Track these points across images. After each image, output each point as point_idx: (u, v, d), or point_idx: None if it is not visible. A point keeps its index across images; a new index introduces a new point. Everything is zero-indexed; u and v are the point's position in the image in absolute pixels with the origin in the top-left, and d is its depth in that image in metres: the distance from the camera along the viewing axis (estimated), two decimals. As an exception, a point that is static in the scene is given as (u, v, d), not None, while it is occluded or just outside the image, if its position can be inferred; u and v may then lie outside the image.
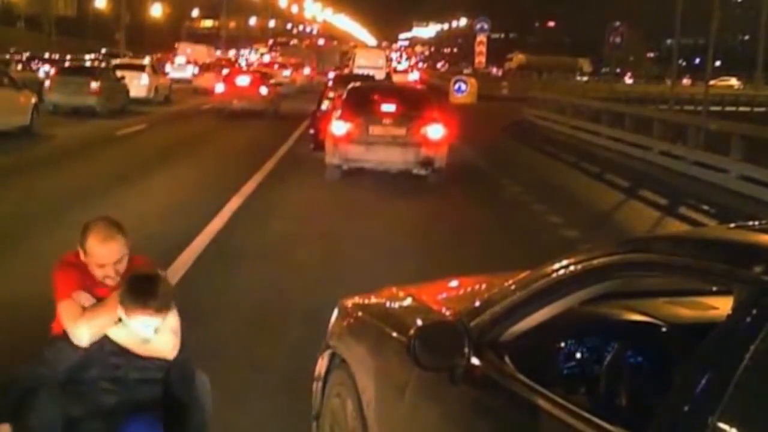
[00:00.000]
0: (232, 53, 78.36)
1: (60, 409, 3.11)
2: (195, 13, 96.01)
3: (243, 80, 26.38)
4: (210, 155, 16.84)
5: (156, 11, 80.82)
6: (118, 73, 26.67)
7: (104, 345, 3.19)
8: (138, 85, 28.11)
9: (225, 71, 33.25)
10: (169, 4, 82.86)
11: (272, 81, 29.51)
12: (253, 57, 78.32)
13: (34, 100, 18.50)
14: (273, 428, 4.47)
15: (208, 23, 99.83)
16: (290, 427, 4.38)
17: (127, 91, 25.60)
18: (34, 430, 3.04)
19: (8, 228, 8.89)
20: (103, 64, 32.65)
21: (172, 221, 9.64)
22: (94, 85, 22.84)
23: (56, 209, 9.93)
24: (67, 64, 31.21)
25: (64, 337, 3.18)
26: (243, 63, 60.30)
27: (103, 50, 56.11)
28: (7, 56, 35.69)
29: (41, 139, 17.65)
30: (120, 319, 3.15)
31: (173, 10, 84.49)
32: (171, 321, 3.23)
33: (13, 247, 8.04)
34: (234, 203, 10.87)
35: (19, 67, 31.45)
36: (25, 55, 39.23)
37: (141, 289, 3.10)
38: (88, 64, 35.34)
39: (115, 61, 35.07)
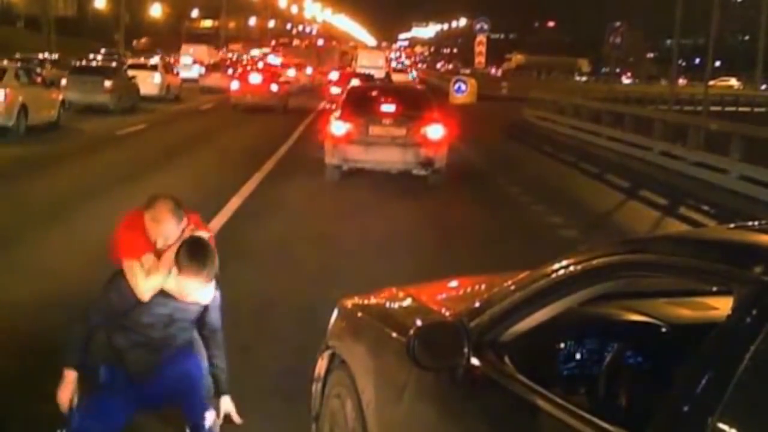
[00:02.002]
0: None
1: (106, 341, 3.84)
2: (195, 13, 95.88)
3: (255, 78, 29.07)
4: (215, 150, 17.30)
5: (155, 11, 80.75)
6: (131, 73, 27.96)
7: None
8: (151, 83, 29.50)
9: (230, 71, 36.75)
10: (168, 4, 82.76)
11: (281, 79, 31.91)
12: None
13: (61, 97, 20.00)
14: (272, 429, 4.47)
15: (207, 23, 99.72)
16: (289, 429, 4.38)
17: (138, 90, 26.71)
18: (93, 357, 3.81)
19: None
20: (114, 64, 33.99)
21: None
22: (108, 83, 23.96)
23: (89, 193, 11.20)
24: (75, 63, 32.62)
25: (125, 279, 3.76)
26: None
27: (103, 50, 56.07)
28: (16, 55, 36.48)
29: (71, 132, 19.00)
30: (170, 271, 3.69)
31: (172, 10, 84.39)
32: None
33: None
34: (234, 203, 10.89)
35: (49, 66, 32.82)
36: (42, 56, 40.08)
37: (196, 256, 3.60)
38: (95, 64, 36.85)
39: (130, 61, 36.65)
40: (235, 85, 28.89)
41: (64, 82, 23.92)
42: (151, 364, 3.83)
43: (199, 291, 3.71)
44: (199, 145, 17.78)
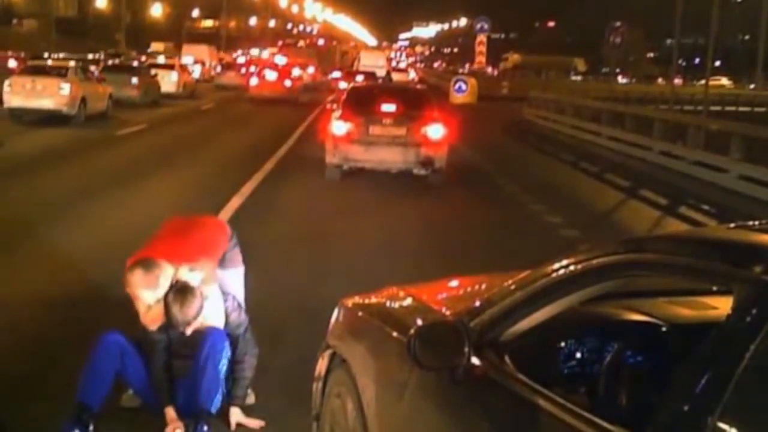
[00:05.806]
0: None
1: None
2: (195, 13, 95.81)
3: (271, 75, 33.83)
4: (230, 139, 19.49)
5: (156, 11, 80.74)
6: (152, 71, 30.56)
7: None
8: (169, 81, 31.98)
9: (243, 70, 42.95)
10: (169, 3, 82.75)
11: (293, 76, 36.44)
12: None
13: (109, 91, 22.94)
14: (272, 429, 4.47)
15: (208, 23, 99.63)
16: (290, 428, 4.38)
17: (159, 86, 29.60)
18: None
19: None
20: (136, 63, 36.58)
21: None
22: (135, 80, 27.06)
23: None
24: (107, 62, 35.44)
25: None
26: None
27: (106, 50, 56.15)
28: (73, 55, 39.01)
29: (118, 120, 21.67)
30: None
31: (173, 10, 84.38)
32: (213, 304, 4.36)
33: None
34: (238, 199, 10.92)
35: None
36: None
37: (175, 301, 4.13)
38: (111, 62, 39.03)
39: (150, 61, 39.98)
40: (253, 81, 33.71)
41: None
42: (188, 367, 4.36)
43: (210, 319, 4.34)
44: (217, 134, 20.27)
